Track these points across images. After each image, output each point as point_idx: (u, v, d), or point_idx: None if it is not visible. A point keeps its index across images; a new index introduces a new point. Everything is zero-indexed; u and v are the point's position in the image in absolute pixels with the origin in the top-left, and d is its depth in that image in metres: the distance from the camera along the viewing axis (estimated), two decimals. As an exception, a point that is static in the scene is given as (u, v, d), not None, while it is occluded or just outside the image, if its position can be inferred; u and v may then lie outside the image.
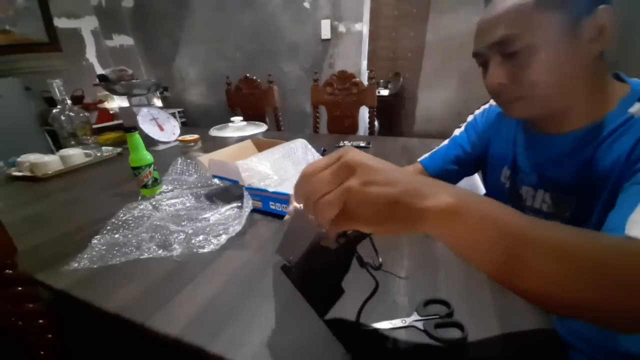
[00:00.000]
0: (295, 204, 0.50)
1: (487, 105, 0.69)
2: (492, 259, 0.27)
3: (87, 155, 1.12)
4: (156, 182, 0.78)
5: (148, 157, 0.76)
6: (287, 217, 0.45)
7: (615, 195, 0.40)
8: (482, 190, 0.77)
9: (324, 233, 0.34)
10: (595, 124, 0.45)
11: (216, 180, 0.73)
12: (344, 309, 0.41)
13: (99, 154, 1.16)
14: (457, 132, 0.74)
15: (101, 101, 2.29)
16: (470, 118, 0.72)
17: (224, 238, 0.59)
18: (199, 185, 0.77)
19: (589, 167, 0.45)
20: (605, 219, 0.38)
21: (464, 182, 0.81)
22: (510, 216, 0.27)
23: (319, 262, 0.43)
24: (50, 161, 1.01)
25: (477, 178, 0.83)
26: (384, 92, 3.00)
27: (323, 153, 0.98)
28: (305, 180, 0.29)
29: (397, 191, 0.26)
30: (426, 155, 0.76)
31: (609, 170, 0.43)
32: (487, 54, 0.46)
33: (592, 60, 0.42)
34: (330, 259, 0.44)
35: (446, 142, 0.75)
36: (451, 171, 0.73)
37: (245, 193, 0.65)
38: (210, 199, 0.73)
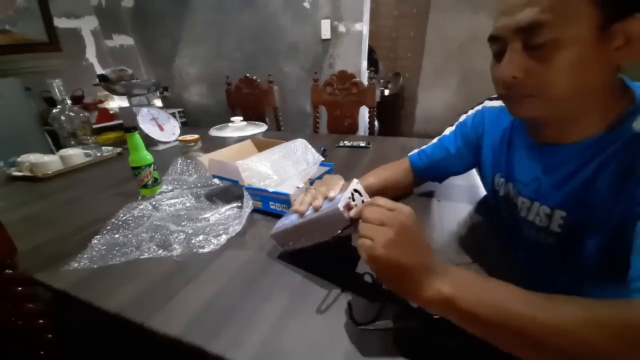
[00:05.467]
0: (305, 211, 0.50)
1: (480, 107, 0.65)
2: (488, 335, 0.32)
3: (87, 155, 1.12)
4: (156, 182, 0.78)
5: (148, 157, 0.76)
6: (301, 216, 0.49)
7: (613, 221, 0.39)
8: (482, 191, 0.76)
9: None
10: (599, 137, 0.42)
11: (216, 180, 0.73)
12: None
13: (99, 154, 1.16)
14: (447, 131, 0.71)
15: (101, 101, 2.29)
16: (462, 118, 0.69)
17: (224, 238, 0.59)
18: (199, 185, 0.77)
19: (588, 184, 0.42)
20: (601, 242, 0.41)
21: (463, 182, 0.80)
22: (507, 305, 0.30)
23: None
24: (50, 161, 1.01)
25: (477, 178, 0.83)
26: (384, 92, 3.00)
27: (323, 153, 0.98)
28: (370, 204, 0.39)
29: (410, 262, 0.33)
30: (416, 151, 0.75)
31: (607, 192, 0.40)
32: (508, 39, 0.41)
33: (612, 71, 0.40)
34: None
35: (435, 140, 0.72)
36: (436, 172, 0.72)
37: (245, 193, 0.65)
38: (210, 199, 0.73)
